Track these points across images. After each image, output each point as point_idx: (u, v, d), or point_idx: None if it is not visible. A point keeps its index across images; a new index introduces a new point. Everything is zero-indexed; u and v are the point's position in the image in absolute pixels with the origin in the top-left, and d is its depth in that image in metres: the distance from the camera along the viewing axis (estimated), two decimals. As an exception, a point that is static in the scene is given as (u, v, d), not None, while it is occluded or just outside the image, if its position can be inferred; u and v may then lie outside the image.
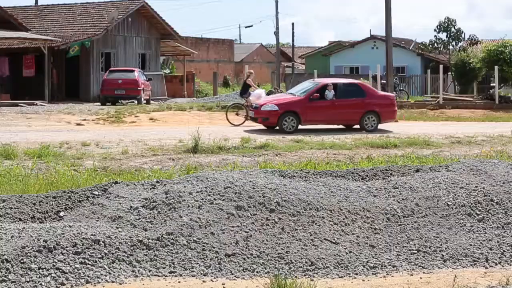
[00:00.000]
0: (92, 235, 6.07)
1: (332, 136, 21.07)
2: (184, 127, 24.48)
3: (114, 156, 16.37)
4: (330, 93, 24.21)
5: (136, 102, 36.34)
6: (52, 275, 5.61)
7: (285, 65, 72.52)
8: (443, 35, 46.39)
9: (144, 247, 6.09)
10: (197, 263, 6.01)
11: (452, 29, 46.22)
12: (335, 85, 24.66)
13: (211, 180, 7.34)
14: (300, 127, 23.26)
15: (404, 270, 6.19)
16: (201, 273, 5.89)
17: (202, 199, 6.89)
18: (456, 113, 31.06)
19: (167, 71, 50.67)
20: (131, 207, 6.86)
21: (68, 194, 7.49)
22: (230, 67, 66.00)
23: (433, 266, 6.29)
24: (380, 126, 24.49)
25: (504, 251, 6.61)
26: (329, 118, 24.04)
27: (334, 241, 6.53)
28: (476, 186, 7.68)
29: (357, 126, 23.99)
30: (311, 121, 23.67)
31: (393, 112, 24.99)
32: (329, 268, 6.10)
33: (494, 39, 45.56)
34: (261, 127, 23.91)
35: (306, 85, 25.95)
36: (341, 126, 24.62)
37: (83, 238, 6.00)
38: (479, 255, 6.51)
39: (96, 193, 7.51)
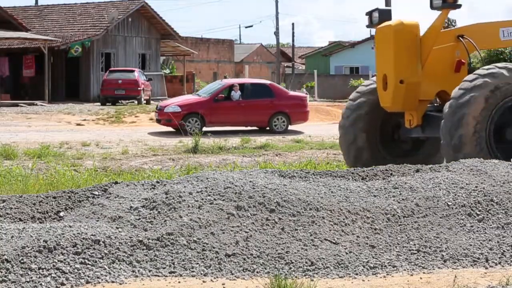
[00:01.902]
0: (92, 235, 6.07)
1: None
2: (184, 127, 24.48)
3: (114, 156, 16.39)
4: (236, 94, 23.78)
5: (136, 102, 36.36)
6: (52, 275, 5.61)
7: (285, 65, 72.57)
8: (443, 35, 46.36)
9: (144, 247, 6.09)
10: (197, 263, 6.01)
11: (452, 29, 46.25)
12: (242, 86, 24.25)
13: (211, 180, 7.34)
14: (205, 129, 22.80)
15: (404, 270, 6.19)
16: (201, 273, 5.89)
17: (202, 199, 6.89)
18: (456, 113, 30.98)
19: (167, 71, 50.72)
20: (131, 207, 6.87)
21: (68, 194, 7.49)
22: (230, 67, 66.02)
23: (433, 266, 6.29)
24: (293, 128, 24.12)
25: (504, 251, 6.61)
26: (236, 120, 23.37)
27: (334, 241, 6.52)
28: (476, 186, 7.68)
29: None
30: (216, 122, 23.14)
31: (304, 113, 24.46)
32: (329, 268, 6.10)
33: (494, 39, 45.45)
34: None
35: (213, 86, 25.59)
36: (254, 128, 24.25)
37: (83, 238, 6.00)
38: (479, 255, 6.50)
39: (96, 193, 7.51)
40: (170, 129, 23.56)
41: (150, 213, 6.71)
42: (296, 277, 5.85)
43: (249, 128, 23.92)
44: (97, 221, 6.69)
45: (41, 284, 5.49)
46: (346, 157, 12.65)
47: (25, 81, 40.43)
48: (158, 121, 23.76)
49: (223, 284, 5.72)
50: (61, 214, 7.18)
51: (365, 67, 53.84)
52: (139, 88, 35.67)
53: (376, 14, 12.23)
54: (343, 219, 6.89)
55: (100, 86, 37.67)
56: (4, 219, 6.93)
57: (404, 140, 12.60)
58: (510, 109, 11.06)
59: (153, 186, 7.55)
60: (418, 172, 8.55)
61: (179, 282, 5.73)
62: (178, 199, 6.86)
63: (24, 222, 6.90)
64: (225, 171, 8.94)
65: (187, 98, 25.22)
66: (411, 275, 6.09)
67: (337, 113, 28.69)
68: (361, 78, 46.78)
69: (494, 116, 10.83)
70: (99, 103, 36.46)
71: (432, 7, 11.74)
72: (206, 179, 7.39)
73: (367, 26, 12.58)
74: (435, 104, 12.15)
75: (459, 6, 11.86)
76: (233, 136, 21.51)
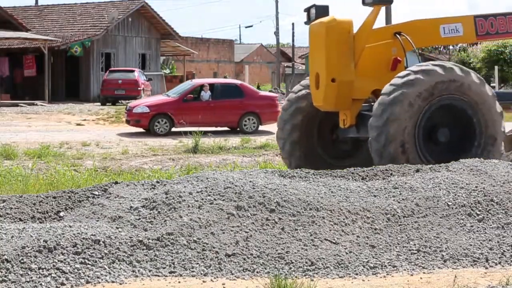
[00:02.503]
0: (92, 235, 6.08)
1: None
2: (184, 127, 24.48)
3: (114, 156, 16.40)
4: (206, 94, 23.54)
5: (136, 102, 36.33)
6: (52, 275, 5.61)
7: (285, 65, 72.55)
8: (443, 35, 46.33)
9: (144, 247, 6.09)
10: (197, 263, 6.01)
11: (452, 29, 46.21)
12: (212, 86, 24.05)
13: (211, 180, 7.33)
14: (174, 129, 22.50)
15: (404, 270, 6.19)
16: (201, 273, 5.89)
17: (202, 199, 6.89)
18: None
19: (167, 71, 50.72)
20: (131, 207, 6.86)
21: (68, 194, 7.49)
22: (230, 67, 66.02)
23: (433, 266, 6.29)
24: (264, 128, 23.96)
25: (504, 251, 6.61)
26: (205, 120, 22.87)
27: (334, 241, 6.52)
28: (476, 186, 7.68)
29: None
30: (185, 123, 23.03)
31: (274, 113, 23.90)
32: (329, 268, 6.09)
33: (494, 39, 45.47)
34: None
35: (183, 86, 25.36)
36: (225, 128, 24.05)
37: (83, 238, 6.00)
38: (479, 255, 6.50)
39: (96, 193, 7.51)
40: (140, 129, 23.44)
41: (150, 213, 6.71)
42: (296, 277, 5.85)
43: (219, 128, 23.79)
44: (97, 221, 6.69)
45: (41, 284, 5.49)
46: (288, 166, 12.20)
47: (21, 81, 40.43)
48: (128, 122, 23.63)
49: (223, 284, 5.72)
50: (61, 214, 7.18)
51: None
52: (139, 88, 35.68)
53: (313, 11, 11.77)
54: (343, 219, 6.89)
55: (100, 86, 37.68)
56: (4, 219, 6.93)
57: (343, 141, 12.19)
58: (440, 109, 10.73)
59: (153, 186, 7.55)
60: (418, 172, 8.55)
61: (179, 282, 5.73)
62: (178, 199, 6.86)
63: (24, 222, 6.90)
64: (225, 171, 8.94)
65: (157, 98, 25.10)
66: (411, 275, 6.09)
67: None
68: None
69: (425, 116, 10.53)
70: (99, 103, 36.46)
71: (364, 3, 11.41)
72: (206, 179, 7.39)
73: (305, 23, 12.15)
74: (372, 104, 11.57)
75: (391, 2, 11.63)
76: (233, 136, 21.51)
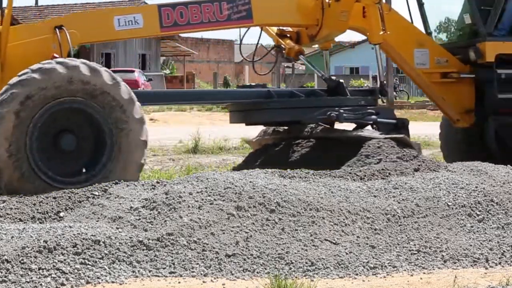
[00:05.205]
0: (92, 235, 6.08)
1: None
2: (184, 127, 24.49)
3: (114, 156, 16.36)
4: None
5: (136, 102, 36.32)
6: (52, 275, 5.61)
7: (285, 65, 72.44)
8: (443, 35, 46.34)
9: (144, 248, 6.10)
10: (197, 264, 6.01)
11: (452, 29, 46.21)
12: None
13: (211, 180, 7.33)
14: None
15: (404, 270, 6.19)
16: (201, 274, 5.89)
17: (202, 199, 6.89)
18: (456, 113, 31.00)
19: (167, 71, 50.67)
20: (131, 207, 6.87)
21: (68, 195, 7.50)
22: (230, 68, 66.00)
23: (433, 267, 6.29)
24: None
25: (504, 251, 6.61)
26: None
27: (334, 242, 6.53)
28: (476, 187, 7.68)
29: None
30: None
31: None
32: (329, 268, 6.10)
33: (494, 39, 45.32)
34: None
35: None
36: None
37: (83, 239, 6.01)
38: (479, 256, 6.51)
39: (96, 193, 7.51)
40: None
41: (150, 214, 6.71)
42: (296, 277, 5.85)
43: None
44: (97, 221, 6.69)
45: (41, 285, 5.49)
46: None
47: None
48: None
49: (223, 284, 5.72)
50: (61, 214, 7.18)
51: (365, 68, 53.76)
52: (139, 89, 35.72)
53: None
54: (343, 220, 6.89)
55: (100, 86, 37.68)
56: (4, 219, 6.93)
57: None
58: (53, 117, 8.93)
59: (153, 187, 7.55)
60: (418, 172, 8.55)
61: (179, 282, 5.73)
62: (178, 199, 6.86)
63: (24, 222, 6.90)
64: (225, 171, 8.94)
65: None
66: (411, 275, 6.09)
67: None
68: (361, 79, 46.77)
69: (35, 131, 8.70)
70: (99, 103, 36.49)
71: None
72: (206, 180, 7.39)
73: None
74: None
75: None
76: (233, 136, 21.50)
